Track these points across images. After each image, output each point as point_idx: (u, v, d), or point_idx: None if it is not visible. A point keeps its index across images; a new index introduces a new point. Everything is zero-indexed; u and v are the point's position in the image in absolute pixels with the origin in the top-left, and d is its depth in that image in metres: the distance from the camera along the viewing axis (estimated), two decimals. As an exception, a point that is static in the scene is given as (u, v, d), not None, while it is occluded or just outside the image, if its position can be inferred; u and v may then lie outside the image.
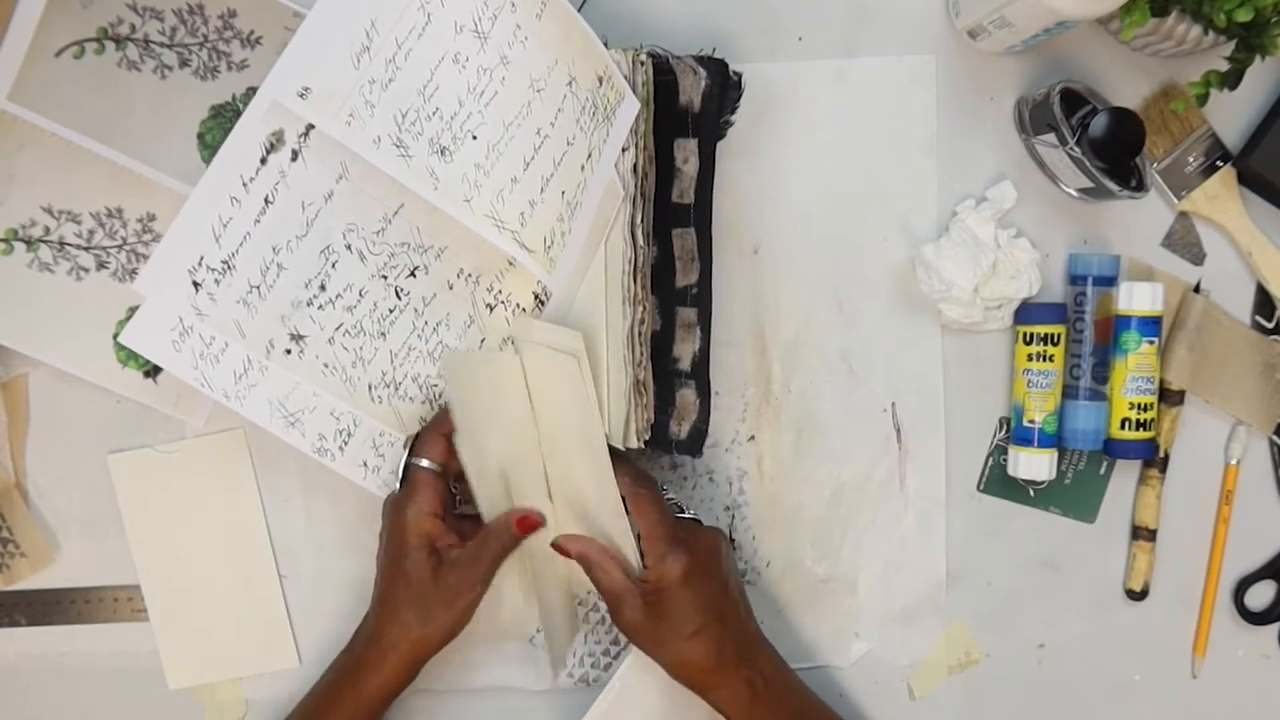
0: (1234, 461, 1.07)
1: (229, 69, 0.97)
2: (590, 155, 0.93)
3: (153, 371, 1.00)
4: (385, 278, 0.90)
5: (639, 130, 0.96)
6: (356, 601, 1.01)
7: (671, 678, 0.96)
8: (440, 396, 0.97)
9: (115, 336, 0.99)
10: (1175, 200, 1.06)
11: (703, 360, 1.01)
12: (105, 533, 1.04)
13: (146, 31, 0.95)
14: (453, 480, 0.95)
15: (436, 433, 0.93)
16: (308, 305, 0.89)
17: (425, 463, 0.93)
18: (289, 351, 0.89)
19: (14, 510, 1.03)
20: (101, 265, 0.98)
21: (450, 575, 0.92)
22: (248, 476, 1.04)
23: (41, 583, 1.05)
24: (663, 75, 0.97)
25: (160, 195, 0.97)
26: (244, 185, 0.84)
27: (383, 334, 0.92)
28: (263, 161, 0.85)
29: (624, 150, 0.95)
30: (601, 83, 0.92)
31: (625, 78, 0.94)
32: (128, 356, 1.00)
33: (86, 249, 0.98)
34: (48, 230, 0.97)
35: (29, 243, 0.97)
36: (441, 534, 0.93)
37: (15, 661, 1.06)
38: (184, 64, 0.96)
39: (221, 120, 0.97)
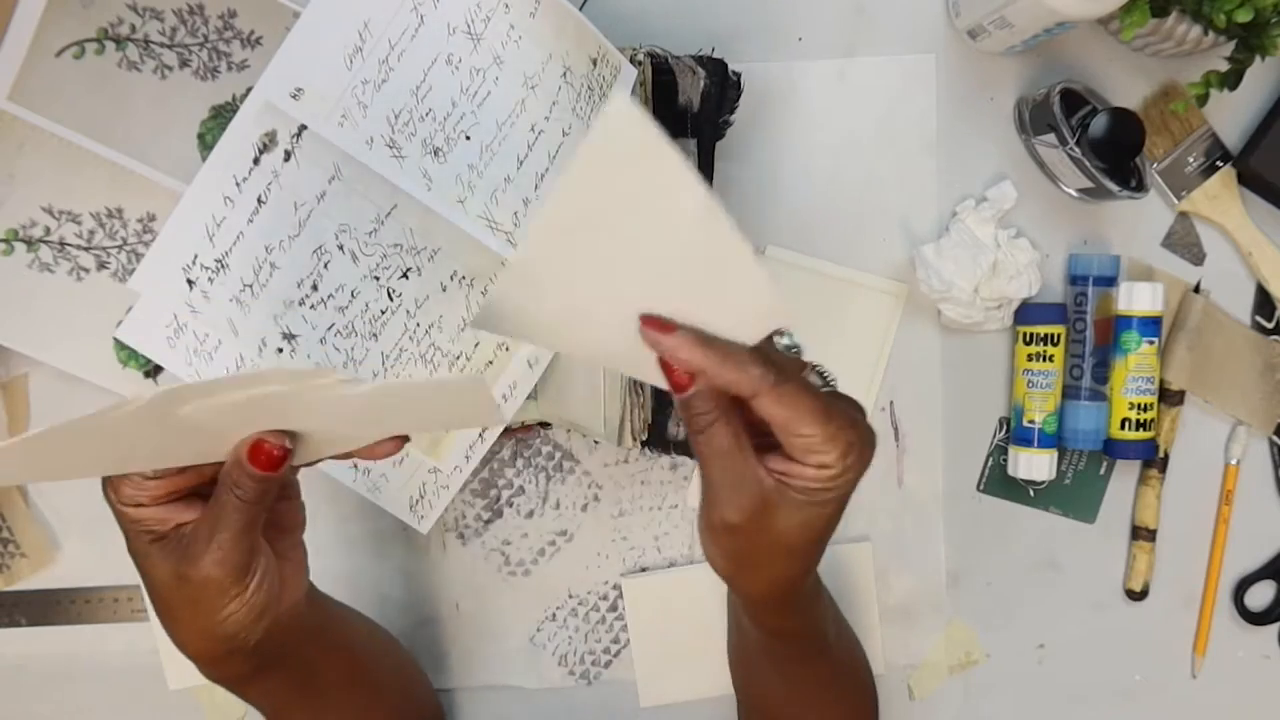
0: (1234, 461, 1.07)
1: (229, 69, 0.97)
2: None
3: (153, 372, 1.00)
4: (378, 279, 0.90)
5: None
6: (351, 600, 1.01)
7: (734, 578, 0.76)
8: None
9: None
10: (1175, 200, 1.05)
11: (702, 360, 1.01)
12: (105, 533, 1.03)
13: (146, 32, 0.95)
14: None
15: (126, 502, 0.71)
16: (300, 305, 0.89)
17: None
18: (281, 350, 0.89)
19: (14, 510, 1.03)
20: (102, 265, 0.98)
21: (181, 560, 0.70)
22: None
23: (41, 583, 1.05)
24: (662, 75, 0.96)
25: (160, 195, 0.97)
26: (237, 185, 0.85)
27: (374, 335, 0.92)
28: (256, 162, 0.85)
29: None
30: (596, 64, 0.92)
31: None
32: (128, 357, 1.00)
33: (87, 249, 0.98)
34: (48, 230, 0.97)
35: (29, 243, 0.97)
36: (159, 516, 0.71)
37: (15, 661, 1.06)
38: (184, 64, 0.96)
39: (221, 120, 0.97)
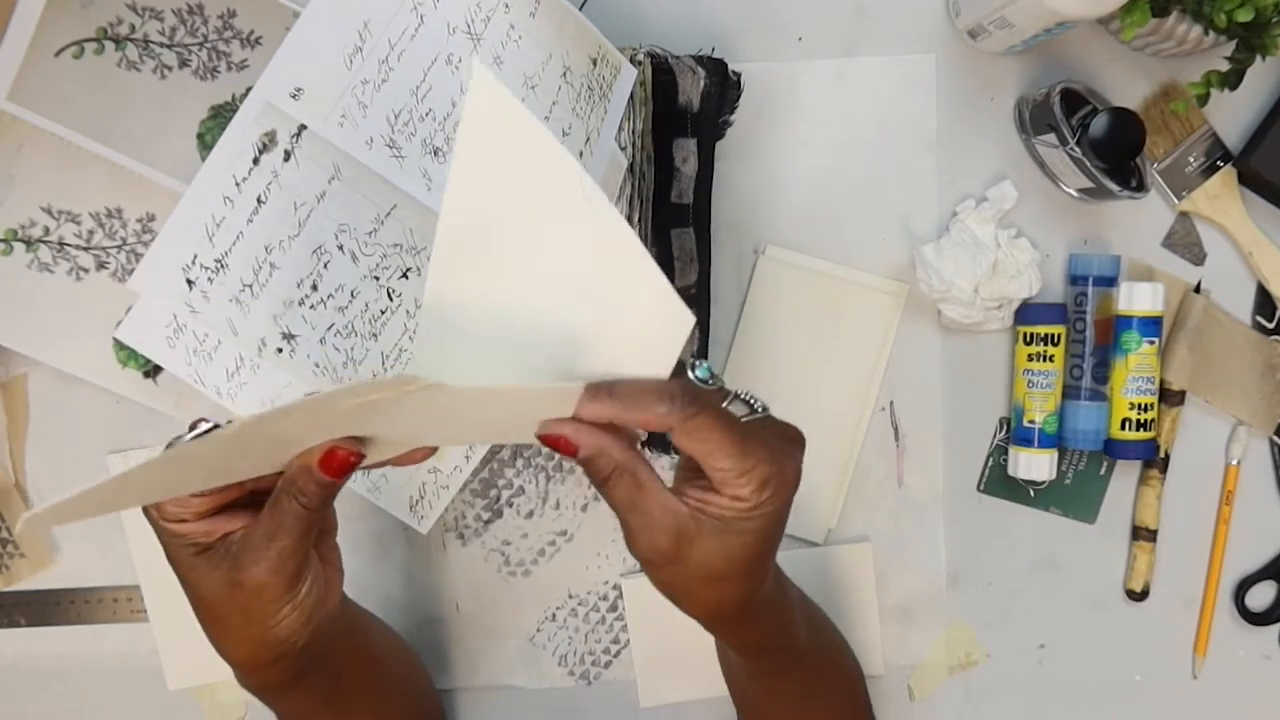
0: (1234, 462, 1.07)
1: (229, 69, 0.97)
2: (589, 139, 0.93)
3: (153, 372, 1.00)
4: (377, 279, 0.90)
5: (637, 130, 0.95)
6: (353, 600, 1.01)
7: (676, 604, 0.76)
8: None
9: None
10: (1175, 200, 1.05)
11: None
12: (105, 533, 1.04)
13: (146, 31, 0.95)
14: None
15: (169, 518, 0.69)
16: (299, 305, 0.89)
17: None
18: (280, 350, 0.89)
19: (14, 510, 1.03)
20: (101, 265, 0.98)
21: (233, 569, 0.69)
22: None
23: (41, 583, 1.05)
24: (662, 75, 0.96)
25: (160, 195, 0.97)
26: (237, 185, 0.85)
27: (374, 335, 0.92)
28: (255, 162, 0.85)
29: (624, 120, 0.95)
30: (596, 64, 0.92)
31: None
32: (128, 357, 1.00)
33: (86, 249, 0.98)
34: (47, 230, 0.97)
35: (29, 243, 0.97)
36: (204, 529, 0.70)
37: (15, 661, 1.06)
38: (184, 64, 0.96)
39: (221, 120, 0.97)
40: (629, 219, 0.95)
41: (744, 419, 0.68)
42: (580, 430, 0.66)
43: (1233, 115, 1.06)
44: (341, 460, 0.67)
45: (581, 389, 0.64)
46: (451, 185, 0.60)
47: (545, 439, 0.66)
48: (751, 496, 0.66)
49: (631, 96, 0.95)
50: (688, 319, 0.64)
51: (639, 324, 0.65)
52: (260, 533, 0.68)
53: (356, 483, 0.96)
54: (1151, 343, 1.01)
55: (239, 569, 0.68)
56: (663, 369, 0.66)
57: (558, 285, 0.63)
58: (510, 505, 1.05)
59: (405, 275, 0.91)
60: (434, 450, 0.72)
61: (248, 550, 0.68)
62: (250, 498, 0.71)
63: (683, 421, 0.65)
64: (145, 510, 0.70)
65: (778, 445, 0.69)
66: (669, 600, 0.75)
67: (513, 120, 0.60)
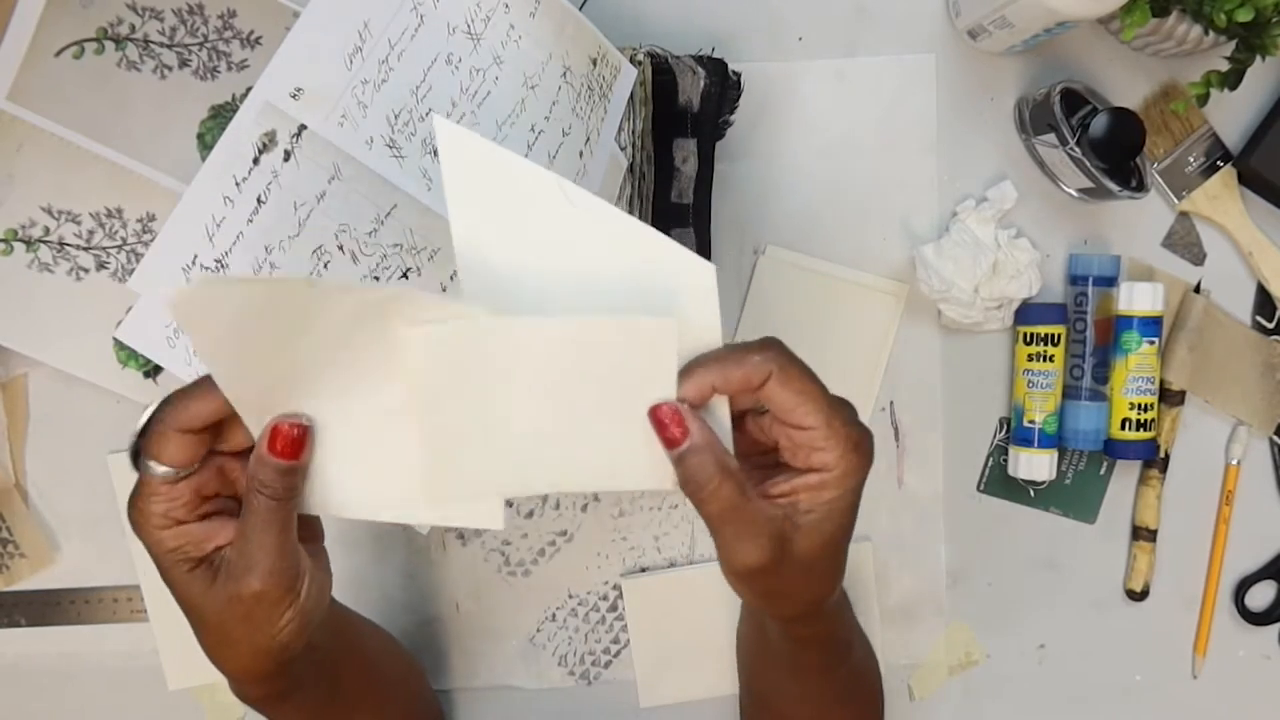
0: (1234, 462, 1.07)
1: (229, 69, 0.97)
2: (589, 139, 0.93)
3: (153, 372, 1.00)
4: (377, 279, 0.90)
5: (637, 130, 0.95)
6: (353, 601, 1.01)
7: (769, 608, 0.75)
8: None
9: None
10: (1175, 200, 1.05)
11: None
12: (105, 533, 1.04)
13: (146, 31, 0.95)
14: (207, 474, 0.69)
15: (174, 426, 0.66)
16: (300, 305, 0.89)
17: (159, 469, 0.66)
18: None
19: (14, 510, 1.03)
20: (101, 265, 0.98)
21: (228, 581, 0.67)
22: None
23: (41, 583, 1.05)
24: (662, 75, 0.97)
25: (160, 195, 0.97)
26: (237, 185, 0.85)
27: (374, 335, 0.92)
28: (255, 162, 0.85)
29: (624, 120, 0.95)
30: (595, 64, 0.92)
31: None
32: (128, 357, 1.00)
33: (86, 249, 0.98)
34: (47, 230, 0.97)
35: (29, 243, 0.97)
36: (195, 538, 0.68)
37: (15, 661, 1.06)
38: (184, 64, 0.96)
39: (221, 120, 0.97)
40: (629, 219, 0.96)
41: None
42: (692, 418, 0.65)
43: (1233, 115, 1.06)
44: (286, 435, 0.65)
45: (673, 322, 0.63)
46: (454, 231, 0.62)
47: (657, 413, 0.64)
48: (837, 463, 0.65)
49: (631, 96, 0.95)
50: (708, 267, 0.64)
51: (670, 293, 0.64)
52: (241, 540, 0.67)
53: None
54: (1151, 343, 1.01)
55: (233, 579, 0.67)
56: (713, 326, 0.65)
57: (579, 294, 0.63)
58: (510, 505, 1.05)
59: (405, 275, 0.91)
60: None
61: (238, 558, 0.67)
62: (236, 505, 0.70)
63: (781, 369, 0.64)
64: (135, 527, 0.68)
65: (852, 411, 0.68)
66: (757, 606, 0.74)
67: (481, 153, 0.62)
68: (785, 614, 0.76)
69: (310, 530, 0.74)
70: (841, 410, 0.66)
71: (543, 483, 0.68)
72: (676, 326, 0.62)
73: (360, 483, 0.69)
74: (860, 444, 0.66)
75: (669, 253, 0.63)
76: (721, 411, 0.67)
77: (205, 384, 0.65)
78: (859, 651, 0.89)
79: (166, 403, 0.66)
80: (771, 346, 0.65)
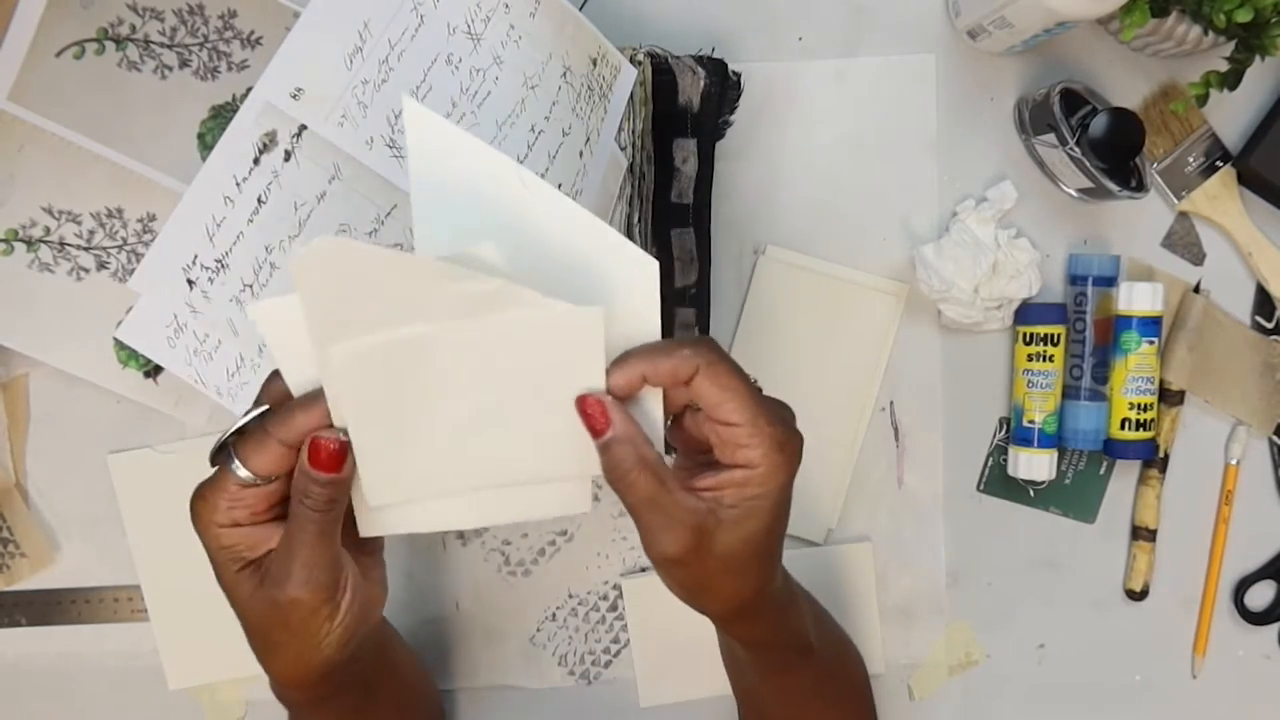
0: (1234, 461, 1.07)
1: (229, 69, 0.97)
2: (589, 139, 0.93)
3: (153, 372, 1.00)
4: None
5: (637, 130, 0.96)
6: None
7: (692, 603, 0.75)
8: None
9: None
10: (1175, 200, 1.05)
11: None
12: (105, 533, 1.04)
13: (147, 32, 0.95)
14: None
15: (276, 437, 0.66)
16: (300, 305, 0.89)
17: (242, 471, 0.66)
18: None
19: (14, 510, 1.03)
20: (102, 265, 0.98)
21: (269, 586, 0.68)
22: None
23: (42, 583, 1.05)
24: (662, 75, 0.97)
25: (160, 195, 0.97)
26: (237, 185, 0.85)
27: (374, 334, 0.92)
28: (255, 162, 0.85)
29: (624, 120, 0.95)
30: (595, 64, 0.92)
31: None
32: (128, 356, 1.00)
33: (87, 249, 0.98)
34: (48, 230, 0.97)
35: (29, 243, 0.97)
36: (250, 540, 0.69)
37: (15, 661, 1.06)
38: (184, 64, 0.96)
39: (221, 120, 0.97)
40: (629, 219, 0.96)
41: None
42: (616, 409, 0.66)
43: (1232, 115, 1.06)
44: (323, 449, 0.65)
45: (601, 311, 0.64)
46: (414, 208, 0.63)
47: (584, 403, 0.66)
48: (761, 461, 0.66)
49: (631, 96, 0.95)
50: (650, 263, 0.65)
51: (613, 286, 0.66)
52: (283, 546, 0.67)
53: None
54: (1151, 343, 1.01)
55: (273, 584, 0.67)
56: (651, 321, 0.67)
57: (528, 278, 0.63)
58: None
59: (405, 275, 0.91)
60: None
61: (278, 563, 0.67)
62: None
63: (709, 365, 0.65)
64: (196, 522, 0.68)
65: (783, 412, 0.69)
66: (684, 600, 0.74)
67: (446, 135, 0.63)
68: (712, 610, 0.76)
69: (367, 544, 0.74)
70: (769, 409, 0.67)
71: (475, 499, 0.69)
72: (604, 316, 0.63)
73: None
74: (785, 444, 0.67)
75: (616, 246, 0.65)
76: (652, 404, 0.68)
77: (316, 399, 0.65)
78: (827, 650, 0.89)
79: (273, 410, 0.66)
80: (703, 343, 0.66)
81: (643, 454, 0.66)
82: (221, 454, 0.67)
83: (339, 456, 0.66)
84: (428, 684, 1.02)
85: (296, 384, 0.66)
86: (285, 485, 0.68)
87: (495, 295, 0.62)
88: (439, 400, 0.65)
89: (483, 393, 0.66)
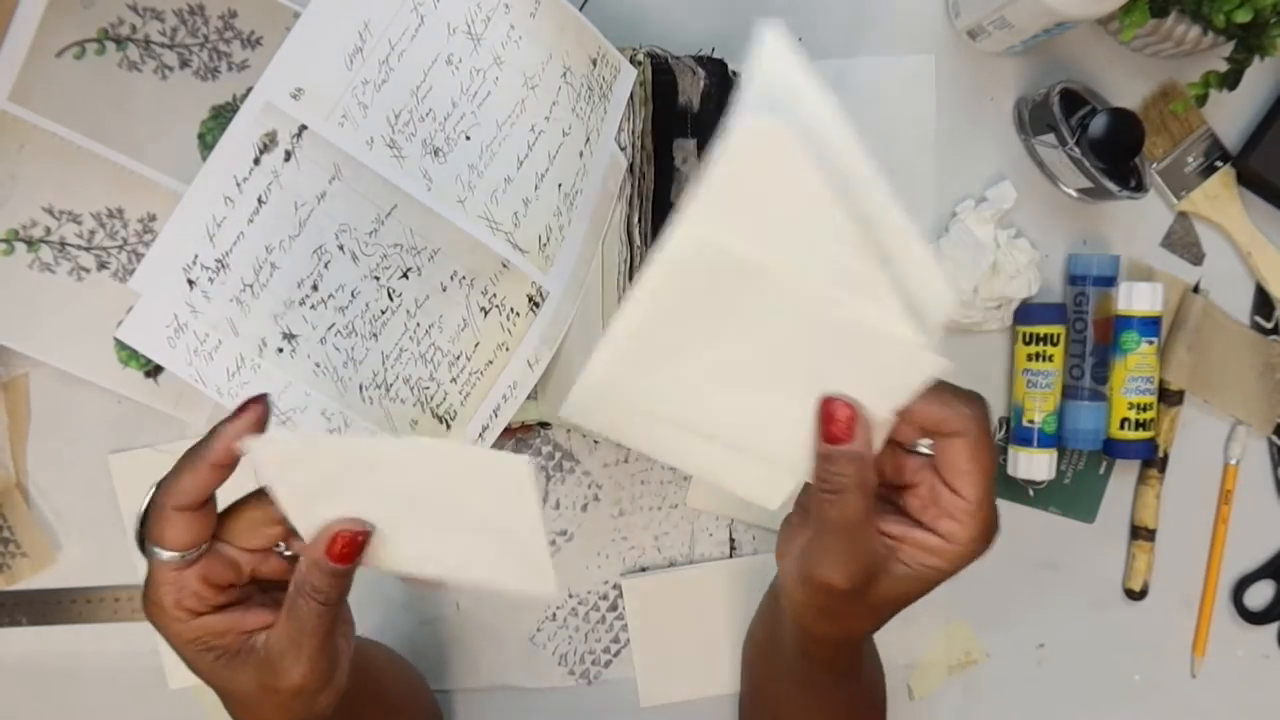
0: (1233, 461, 1.07)
1: (229, 69, 0.97)
2: (589, 139, 0.93)
3: (153, 371, 1.01)
4: (378, 279, 0.90)
5: (637, 130, 0.96)
6: (353, 601, 1.01)
7: (813, 623, 0.74)
8: (431, 399, 0.96)
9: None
10: (1175, 200, 1.06)
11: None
12: (106, 533, 1.04)
13: (147, 32, 0.95)
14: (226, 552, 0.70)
15: (170, 505, 0.66)
16: (300, 305, 0.89)
17: (164, 554, 0.66)
18: (281, 350, 0.89)
19: (14, 510, 1.03)
20: (102, 265, 0.98)
21: (266, 675, 0.68)
22: (247, 476, 1.04)
23: (42, 582, 1.05)
24: (661, 75, 0.97)
25: (161, 195, 0.97)
26: (237, 185, 0.85)
27: (374, 335, 0.92)
28: (256, 162, 0.85)
29: (624, 120, 0.95)
30: (596, 64, 0.92)
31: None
32: (128, 356, 1.00)
33: (87, 249, 0.98)
34: (49, 230, 0.97)
35: (30, 243, 0.97)
36: (215, 629, 0.68)
37: (16, 661, 1.06)
38: (184, 64, 0.96)
39: (222, 121, 0.97)
40: (629, 219, 0.96)
41: None
42: (863, 425, 0.63)
43: (1231, 115, 1.06)
44: (348, 542, 0.66)
45: (532, 465, 0.65)
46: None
47: (831, 404, 0.63)
48: (964, 543, 0.65)
49: (631, 96, 0.95)
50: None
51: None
52: (286, 640, 0.67)
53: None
54: (1151, 343, 1.01)
55: (274, 676, 0.67)
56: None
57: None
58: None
59: (405, 275, 0.91)
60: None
61: (280, 657, 0.67)
62: (256, 588, 0.71)
63: (977, 435, 0.63)
64: (154, 620, 0.68)
65: (995, 503, 0.67)
66: (802, 616, 0.73)
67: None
68: (824, 633, 0.75)
69: (345, 614, 0.74)
70: (993, 497, 0.65)
71: (685, 438, 0.67)
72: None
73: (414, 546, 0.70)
74: (990, 534, 0.66)
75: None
76: (880, 430, 0.65)
77: (191, 459, 0.66)
78: (870, 671, 0.90)
79: (160, 485, 0.66)
80: (979, 405, 0.64)
81: (866, 477, 0.63)
82: (142, 549, 0.67)
83: (358, 548, 0.67)
84: (419, 691, 1.02)
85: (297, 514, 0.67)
86: (223, 567, 0.68)
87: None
88: (731, 336, 0.62)
89: (773, 359, 0.63)
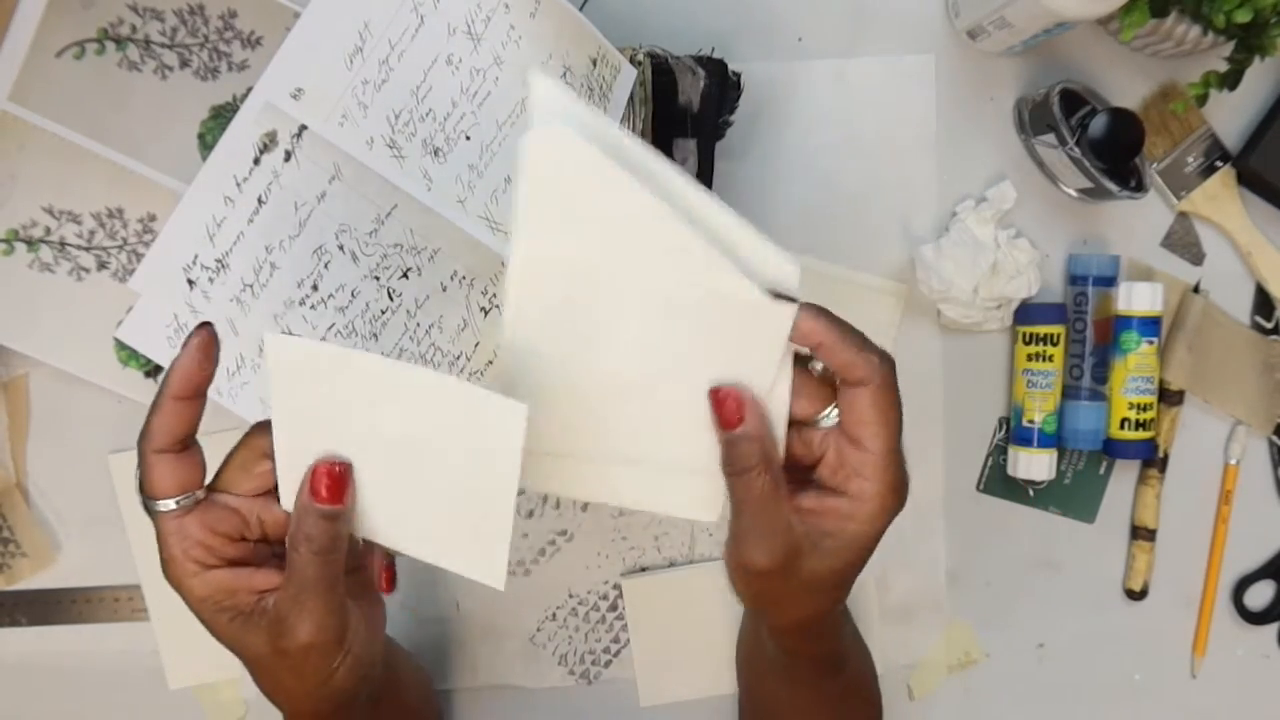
0: (1233, 461, 1.07)
1: (229, 69, 0.97)
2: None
3: (153, 371, 1.00)
4: (378, 279, 0.90)
5: (637, 130, 0.96)
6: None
7: (760, 613, 0.76)
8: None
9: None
10: (1175, 200, 1.05)
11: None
12: (105, 533, 1.04)
13: (147, 32, 0.95)
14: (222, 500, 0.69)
15: (149, 450, 0.67)
16: (300, 305, 0.89)
17: (163, 505, 0.67)
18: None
19: (14, 510, 1.03)
20: (102, 265, 0.98)
21: (275, 635, 0.67)
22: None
23: (42, 583, 1.05)
24: (662, 75, 0.96)
25: (160, 195, 0.97)
26: (237, 185, 0.85)
27: (374, 335, 0.92)
28: (256, 162, 0.85)
29: (624, 120, 0.95)
30: (596, 64, 0.92)
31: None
32: (128, 356, 1.00)
33: (87, 249, 0.98)
34: (48, 230, 0.97)
35: (30, 243, 0.97)
36: (226, 585, 0.68)
37: (15, 661, 1.06)
38: (184, 64, 0.96)
39: (222, 121, 0.97)
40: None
41: None
42: (752, 406, 0.65)
43: (1231, 115, 1.06)
44: (331, 475, 0.65)
45: (795, 309, 0.64)
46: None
47: (718, 394, 0.66)
48: (874, 497, 0.66)
49: (631, 96, 0.95)
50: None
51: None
52: (288, 596, 0.66)
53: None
54: (1151, 343, 1.01)
55: (281, 635, 0.67)
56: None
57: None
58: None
59: (405, 275, 0.91)
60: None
61: (285, 615, 0.66)
62: (270, 551, 0.71)
63: (882, 383, 0.65)
64: (171, 580, 0.68)
65: (904, 460, 0.68)
66: (748, 606, 0.74)
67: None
68: (776, 622, 0.76)
69: (359, 570, 0.74)
70: (900, 451, 0.66)
71: (605, 471, 0.70)
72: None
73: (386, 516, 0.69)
74: (900, 488, 0.67)
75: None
76: (779, 409, 0.67)
77: (154, 402, 0.66)
78: (856, 664, 0.90)
79: (138, 439, 0.67)
80: (888, 360, 0.65)
81: (769, 454, 0.65)
82: (144, 507, 0.68)
83: (341, 483, 0.66)
84: (427, 688, 1.02)
85: (286, 423, 0.67)
86: (226, 516, 0.69)
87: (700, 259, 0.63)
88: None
89: (645, 358, 0.65)
